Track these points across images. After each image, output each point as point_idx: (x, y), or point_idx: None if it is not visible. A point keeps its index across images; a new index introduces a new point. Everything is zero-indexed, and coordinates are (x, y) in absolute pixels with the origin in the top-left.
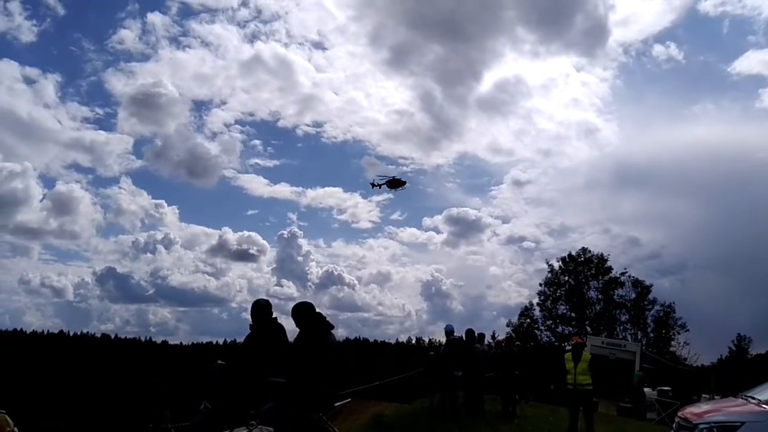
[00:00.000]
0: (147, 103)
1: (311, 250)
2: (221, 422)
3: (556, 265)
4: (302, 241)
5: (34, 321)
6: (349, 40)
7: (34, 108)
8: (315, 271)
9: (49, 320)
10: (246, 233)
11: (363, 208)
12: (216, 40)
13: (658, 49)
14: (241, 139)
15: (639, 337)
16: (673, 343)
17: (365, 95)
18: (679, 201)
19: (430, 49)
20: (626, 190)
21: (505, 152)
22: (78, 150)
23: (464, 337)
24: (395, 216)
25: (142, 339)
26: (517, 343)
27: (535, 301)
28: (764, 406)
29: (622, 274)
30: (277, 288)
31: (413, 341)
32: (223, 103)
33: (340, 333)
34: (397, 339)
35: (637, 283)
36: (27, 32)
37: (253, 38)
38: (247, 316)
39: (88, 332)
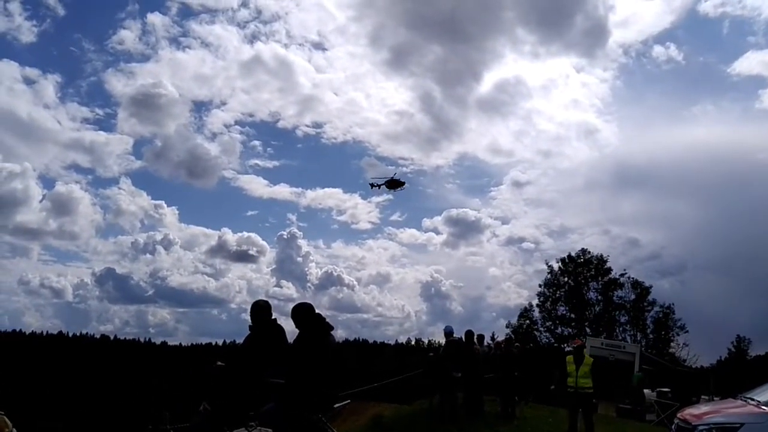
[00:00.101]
0: (147, 103)
1: (311, 251)
2: (221, 423)
3: (556, 266)
4: (302, 242)
5: (34, 322)
6: (349, 41)
7: (34, 108)
8: (314, 272)
9: (49, 321)
10: (245, 234)
11: (362, 209)
12: (216, 41)
13: (657, 50)
14: (241, 140)
15: (638, 338)
16: (672, 344)
17: (365, 96)
18: (679, 202)
19: (430, 49)
20: (626, 191)
21: (504, 153)
22: (78, 150)
23: (464, 339)
24: (395, 217)
25: (142, 340)
26: (517, 344)
27: (535, 302)
28: (764, 407)
29: (622, 275)
30: (276, 289)
31: (413, 342)
32: (223, 103)
33: (339, 334)
34: (396, 340)
35: (636, 284)
36: (27, 33)
37: (253, 39)
38: (247, 317)
39: (87, 333)
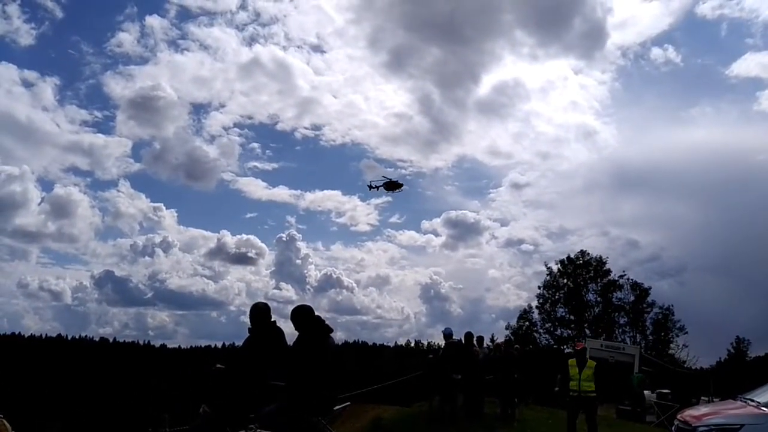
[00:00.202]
0: (145, 106)
1: (310, 253)
2: (221, 426)
3: (555, 267)
4: (301, 244)
5: (33, 324)
6: (348, 43)
7: (33, 111)
8: (314, 274)
9: (48, 324)
10: (244, 236)
11: (362, 211)
12: (214, 44)
13: (656, 52)
14: (240, 142)
15: (638, 339)
16: (672, 345)
17: (364, 98)
18: (678, 203)
19: (428, 52)
20: (625, 193)
21: (503, 155)
22: (76, 153)
23: (463, 340)
24: (394, 219)
25: (141, 342)
26: (516, 346)
27: (534, 303)
28: (763, 408)
29: (621, 276)
30: (275, 291)
31: (412, 344)
32: (222, 106)
33: (338, 336)
34: (395, 342)
35: (635, 286)
36: (25, 35)
37: (251, 41)
38: (246, 319)
39: (86, 336)
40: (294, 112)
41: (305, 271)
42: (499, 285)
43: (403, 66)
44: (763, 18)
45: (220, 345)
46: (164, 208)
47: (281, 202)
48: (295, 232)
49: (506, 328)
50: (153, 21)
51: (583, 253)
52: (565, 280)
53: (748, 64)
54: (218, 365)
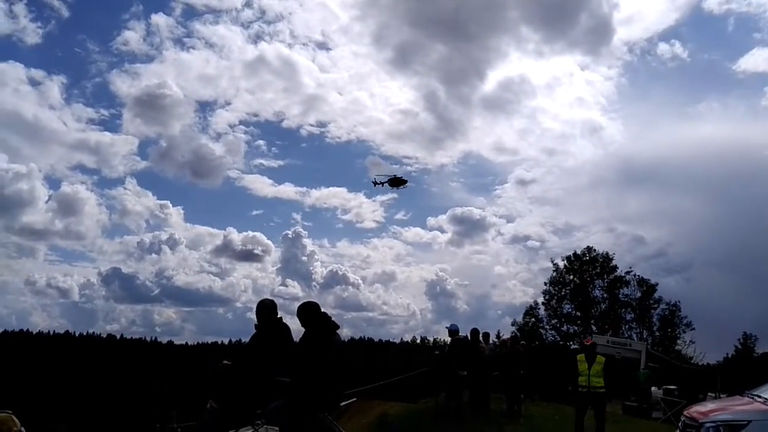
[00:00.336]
0: (152, 104)
1: (316, 249)
2: (227, 422)
3: (561, 264)
4: (307, 241)
5: (40, 322)
6: (353, 40)
7: (40, 109)
8: (319, 271)
9: (55, 321)
10: (251, 233)
11: (367, 208)
12: (220, 41)
13: (662, 48)
14: (246, 140)
15: (644, 335)
16: (678, 341)
17: (369, 95)
18: (685, 199)
19: (433, 48)
20: (631, 189)
21: (509, 151)
22: (83, 151)
23: (469, 337)
24: (400, 216)
25: (148, 339)
26: (522, 342)
27: (540, 300)
28: None
29: (628, 272)
30: (281, 288)
31: (418, 341)
32: (228, 103)
33: (344, 332)
34: (401, 338)
35: (642, 282)
36: (32, 34)
37: (257, 39)
38: (252, 316)
39: (93, 333)
40: (299, 109)
41: (311, 268)
42: (505, 281)
43: (409, 63)
44: None
45: (226, 341)
46: (171, 205)
47: (287, 199)
48: (301, 229)
49: (512, 325)
50: (159, 19)
51: (589, 249)
52: (572, 277)
53: (755, 59)
54: (225, 362)
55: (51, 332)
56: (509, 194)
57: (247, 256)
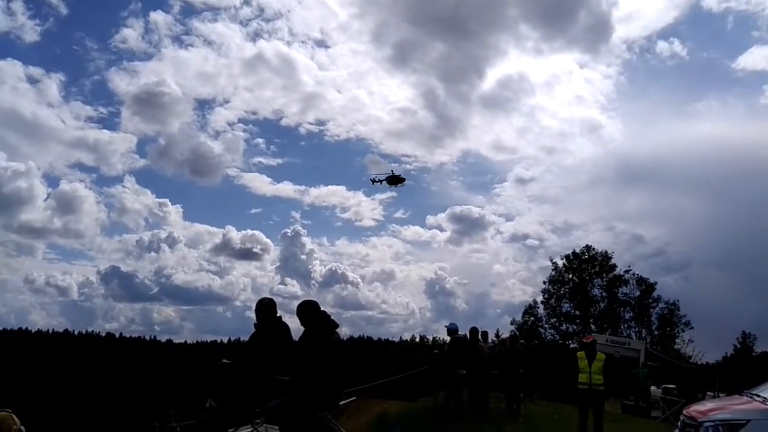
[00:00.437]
0: (150, 102)
1: (315, 248)
2: (227, 420)
3: (560, 262)
4: (306, 240)
5: (39, 320)
6: (352, 38)
7: (38, 107)
8: (319, 270)
9: (54, 319)
10: (249, 232)
11: (366, 207)
12: (218, 39)
13: (661, 46)
14: (245, 138)
15: (643, 334)
16: (677, 340)
17: (368, 93)
18: (684, 198)
19: (432, 46)
20: (630, 187)
21: (508, 150)
22: (82, 149)
23: (468, 336)
24: (399, 214)
25: (147, 338)
26: (521, 341)
27: (539, 299)
28: None
29: (627, 271)
30: (281, 286)
31: (417, 339)
32: (226, 101)
33: (344, 331)
34: (400, 337)
35: (641, 281)
36: (30, 32)
37: (255, 37)
38: (251, 314)
39: (92, 331)
40: (298, 107)
41: (310, 267)
42: (504, 280)
43: (407, 61)
44: None
45: (225, 340)
46: (170, 203)
47: (286, 198)
48: (300, 228)
49: (511, 323)
50: (157, 17)
51: (588, 248)
52: (571, 275)
53: (754, 58)
54: (224, 360)
55: (50, 331)
56: (508, 193)
57: (246, 254)
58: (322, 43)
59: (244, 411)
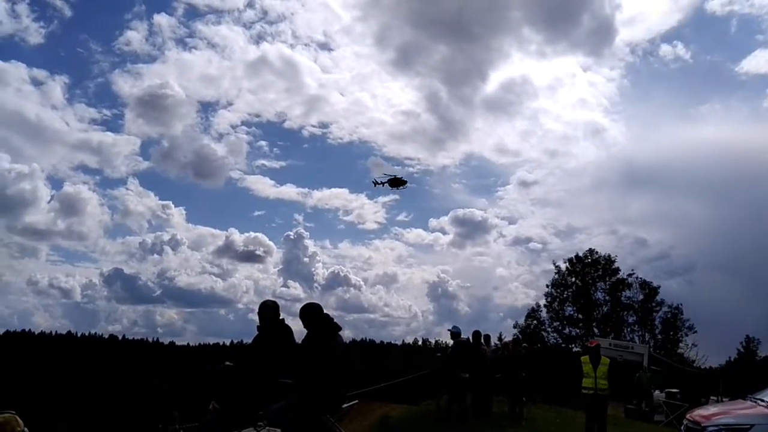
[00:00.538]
0: (154, 104)
1: (317, 251)
2: (230, 423)
3: (563, 266)
4: (308, 242)
5: (42, 322)
6: (355, 41)
7: (42, 109)
8: (321, 272)
9: (57, 321)
10: (252, 234)
11: (369, 209)
12: (222, 41)
13: (665, 49)
14: (248, 140)
15: (647, 338)
16: (681, 344)
17: (371, 96)
18: (687, 201)
19: (436, 49)
20: (634, 191)
21: (511, 153)
22: (85, 151)
23: (471, 339)
24: (401, 217)
25: (150, 340)
26: (524, 344)
27: (542, 302)
28: None
29: (630, 275)
30: (283, 289)
31: (419, 342)
32: (230, 104)
33: (346, 334)
34: (403, 340)
35: (644, 285)
36: (34, 34)
37: (259, 39)
38: (254, 317)
39: (95, 333)
40: (301, 110)
41: (313, 269)
42: (507, 283)
43: (411, 63)
44: None
45: (228, 342)
46: (173, 206)
47: (289, 200)
48: (302, 230)
49: (514, 327)
50: (161, 19)
51: (591, 251)
52: (574, 279)
53: (758, 61)
54: (227, 363)
55: (53, 333)
56: (511, 196)
57: (249, 257)
58: (325, 46)
59: (247, 413)
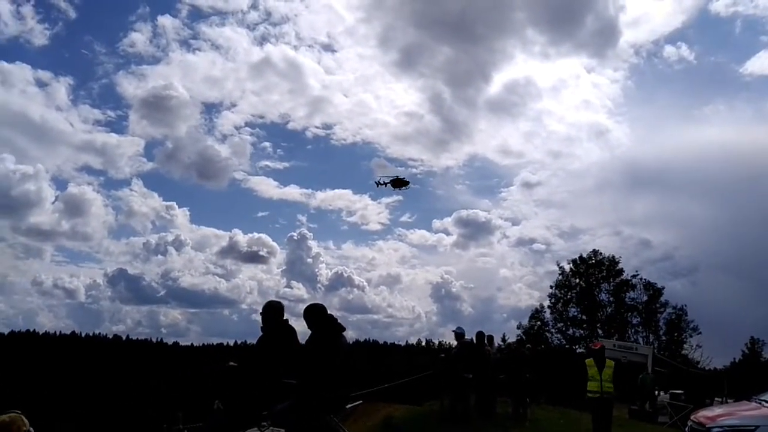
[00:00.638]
0: (158, 105)
1: (321, 251)
2: (234, 423)
3: (567, 267)
4: (312, 243)
5: (47, 322)
6: (359, 42)
7: (47, 111)
8: (325, 273)
9: (62, 321)
10: (256, 235)
11: (372, 210)
12: (226, 43)
13: (669, 50)
14: (251, 142)
15: (651, 339)
16: (685, 346)
17: (375, 97)
18: (691, 202)
19: (439, 50)
20: (637, 192)
21: (515, 154)
22: (90, 152)
23: (475, 340)
24: (405, 218)
25: (154, 340)
26: (528, 345)
27: (546, 303)
28: None
29: (634, 276)
30: (287, 290)
31: (423, 343)
32: (234, 105)
33: (349, 335)
34: (406, 341)
35: (648, 286)
36: (39, 36)
37: (262, 41)
38: (257, 317)
39: (100, 333)
40: (305, 111)
41: (316, 270)
42: (511, 284)
43: (414, 65)
44: None
45: (232, 343)
46: (177, 206)
47: (292, 201)
48: (306, 231)
49: (518, 328)
50: (165, 21)
51: (595, 252)
52: (578, 280)
53: (762, 62)
54: (231, 363)
55: (57, 333)
56: (515, 197)
57: (253, 257)
58: (328, 47)
59: (251, 413)
